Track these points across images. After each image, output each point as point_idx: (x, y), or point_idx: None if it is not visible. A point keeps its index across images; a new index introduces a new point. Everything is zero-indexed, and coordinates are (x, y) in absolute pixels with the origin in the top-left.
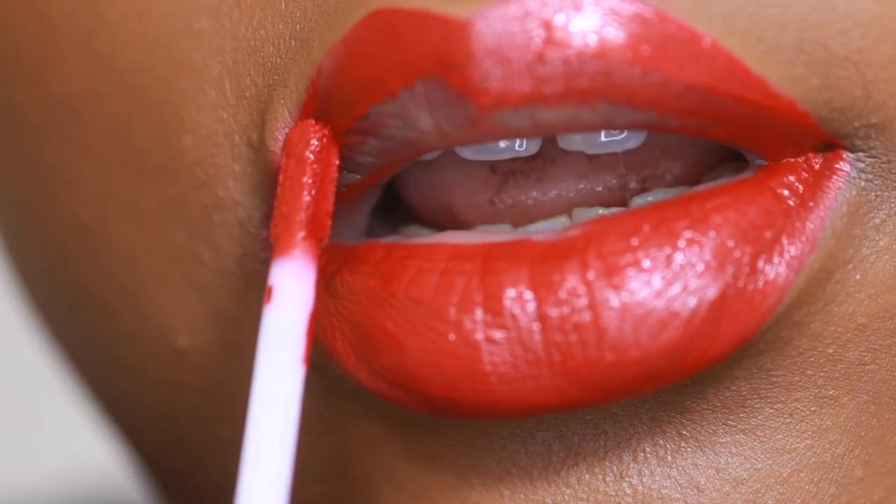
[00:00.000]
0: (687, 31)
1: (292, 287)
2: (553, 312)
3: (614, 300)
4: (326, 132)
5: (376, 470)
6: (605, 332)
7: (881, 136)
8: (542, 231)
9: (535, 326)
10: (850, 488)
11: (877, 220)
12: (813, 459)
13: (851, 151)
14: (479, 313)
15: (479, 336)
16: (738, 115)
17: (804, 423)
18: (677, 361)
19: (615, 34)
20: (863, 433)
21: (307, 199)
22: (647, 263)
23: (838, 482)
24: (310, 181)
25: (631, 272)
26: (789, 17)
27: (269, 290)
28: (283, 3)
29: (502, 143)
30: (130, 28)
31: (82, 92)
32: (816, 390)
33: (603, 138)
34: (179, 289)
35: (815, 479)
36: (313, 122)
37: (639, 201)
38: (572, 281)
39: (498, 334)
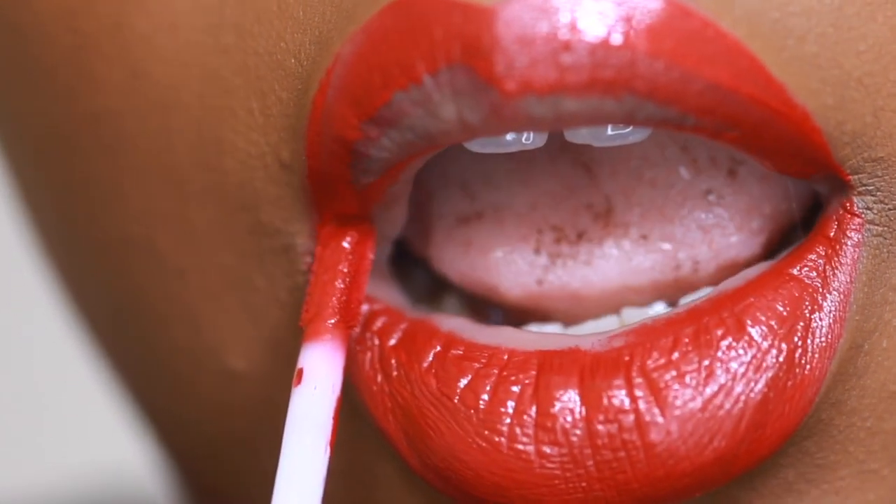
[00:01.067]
0: (712, 29)
1: (322, 372)
2: (602, 429)
3: (659, 417)
4: (364, 226)
5: None
6: (653, 448)
7: (886, 173)
8: (590, 336)
9: (586, 442)
10: None
11: (893, 281)
12: None
13: (859, 194)
14: (531, 426)
15: (531, 449)
16: (754, 119)
17: (850, 500)
18: (726, 467)
19: (640, 26)
20: None
21: (340, 286)
22: (689, 379)
23: None
24: (345, 269)
25: (675, 388)
26: (810, 30)
27: (300, 373)
28: (300, 10)
29: (509, 136)
30: (163, 43)
31: (120, 108)
32: (858, 465)
33: (609, 132)
34: (233, 312)
35: None
36: (350, 218)
37: (684, 301)
38: (619, 398)
39: (548, 449)
